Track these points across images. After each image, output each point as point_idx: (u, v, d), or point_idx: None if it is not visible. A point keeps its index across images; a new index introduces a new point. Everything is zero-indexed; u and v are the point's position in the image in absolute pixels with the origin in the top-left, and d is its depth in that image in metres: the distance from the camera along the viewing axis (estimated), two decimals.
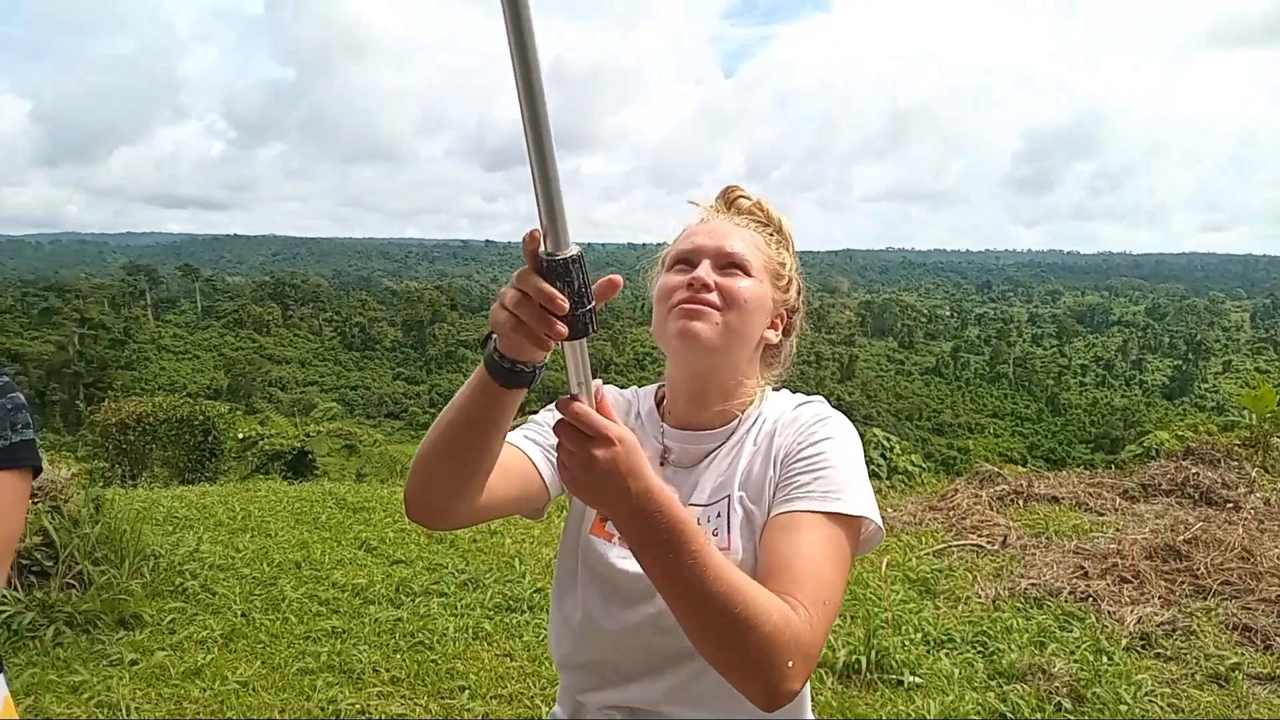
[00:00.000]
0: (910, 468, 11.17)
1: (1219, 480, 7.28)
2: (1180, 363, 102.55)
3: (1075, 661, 3.86)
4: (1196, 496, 7.12)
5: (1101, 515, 6.70)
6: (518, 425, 1.27)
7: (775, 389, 1.34)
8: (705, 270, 1.21)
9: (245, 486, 8.60)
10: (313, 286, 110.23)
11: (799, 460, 1.18)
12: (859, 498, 1.13)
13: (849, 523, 1.12)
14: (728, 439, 1.26)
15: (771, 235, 1.32)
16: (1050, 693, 3.58)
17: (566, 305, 0.84)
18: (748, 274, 1.23)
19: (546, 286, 0.84)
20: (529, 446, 1.25)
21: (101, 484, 9.21)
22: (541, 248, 0.85)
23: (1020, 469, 9.11)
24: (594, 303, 0.89)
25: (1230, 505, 6.74)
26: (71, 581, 4.24)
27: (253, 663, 3.81)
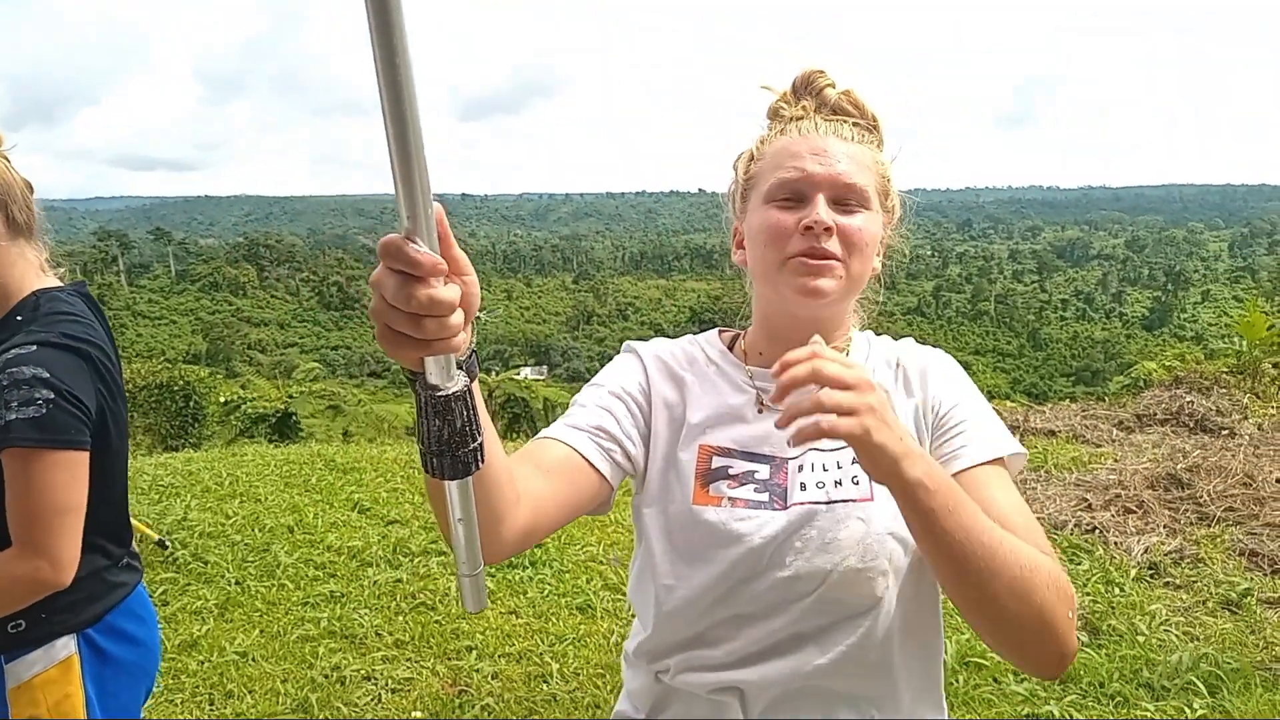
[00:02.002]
0: None
1: (1213, 408, 7.29)
2: (1159, 294, 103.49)
3: (1087, 594, 3.83)
4: (1191, 425, 7.12)
5: (1099, 447, 6.68)
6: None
7: (857, 326, 1.18)
8: (824, 210, 1.02)
9: (231, 451, 8.46)
10: (288, 246, 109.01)
11: (955, 409, 1.07)
12: (1010, 434, 1.07)
13: (1015, 460, 1.05)
14: None
15: (873, 141, 1.11)
16: None
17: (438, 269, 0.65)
18: (865, 206, 1.05)
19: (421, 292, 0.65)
20: (575, 437, 1.06)
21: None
22: (423, 378, 0.71)
23: (1012, 404, 9.10)
24: (481, 437, 0.75)
25: (1225, 432, 6.75)
26: None
27: (250, 632, 3.71)
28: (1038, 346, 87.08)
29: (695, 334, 1.23)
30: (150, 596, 3.91)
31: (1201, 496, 5.01)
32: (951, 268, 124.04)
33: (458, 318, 0.68)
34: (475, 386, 0.77)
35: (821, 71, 1.13)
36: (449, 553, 4.56)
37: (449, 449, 0.74)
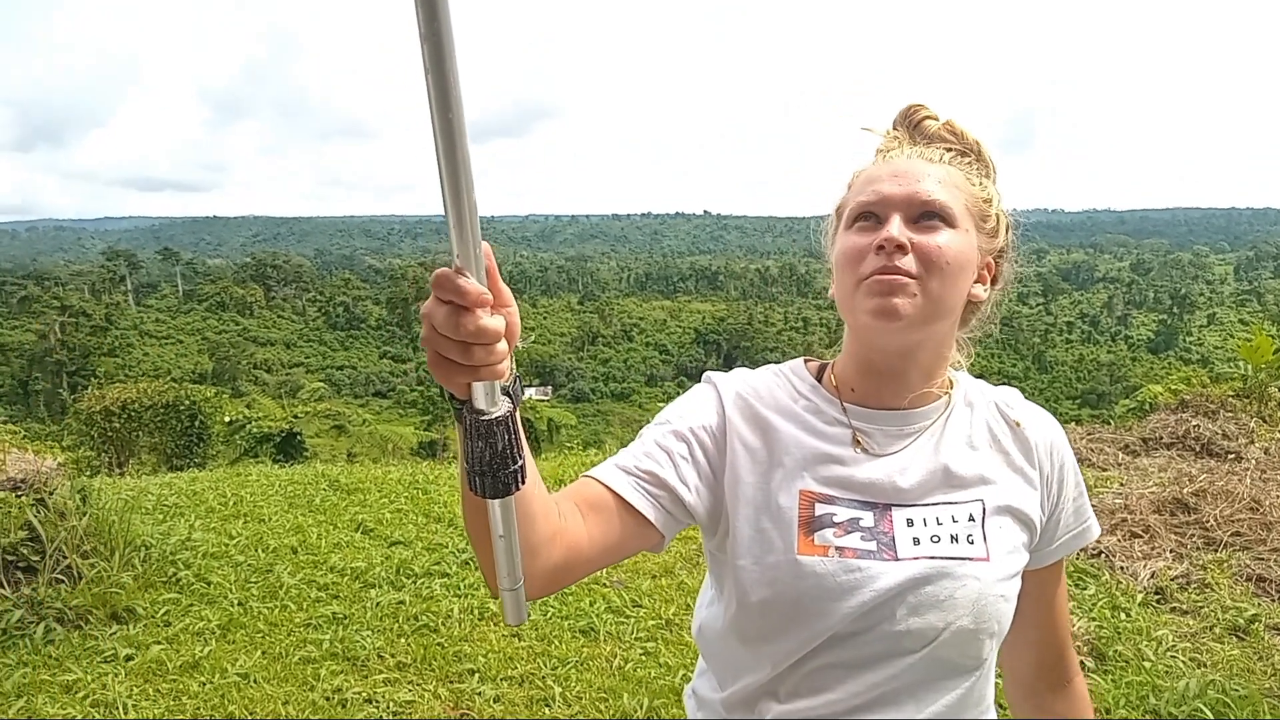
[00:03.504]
0: None
1: (1219, 432, 7.26)
2: (1165, 317, 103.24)
3: (1093, 619, 3.80)
4: (1198, 449, 7.10)
5: (1105, 470, 6.65)
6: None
7: (956, 366, 1.13)
8: (897, 228, 0.98)
9: (235, 471, 8.46)
10: (295, 267, 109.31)
11: (1077, 501, 1.12)
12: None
13: None
14: (932, 424, 1.07)
15: (971, 165, 1.07)
16: None
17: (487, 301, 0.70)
18: (949, 224, 1.00)
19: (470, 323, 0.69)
20: (619, 481, 1.02)
21: (88, 473, 9.05)
22: (469, 403, 0.75)
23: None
24: (522, 460, 0.78)
25: (1232, 456, 6.72)
26: (60, 576, 4.10)
27: (253, 653, 3.70)
28: (1043, 369, 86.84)
29: (778, 364, 1.16)
30: (154, 617, 3.91)
31: (1208, 521, 4.98)
32: (1013, 284, 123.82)
33: (502, 346, 0.72)
34: (517, 413, 0.80)
35: (922, 105, 1.11)
36: (451, 573, 4.56)
37: (490, 470, 0.77)
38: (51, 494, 4.48)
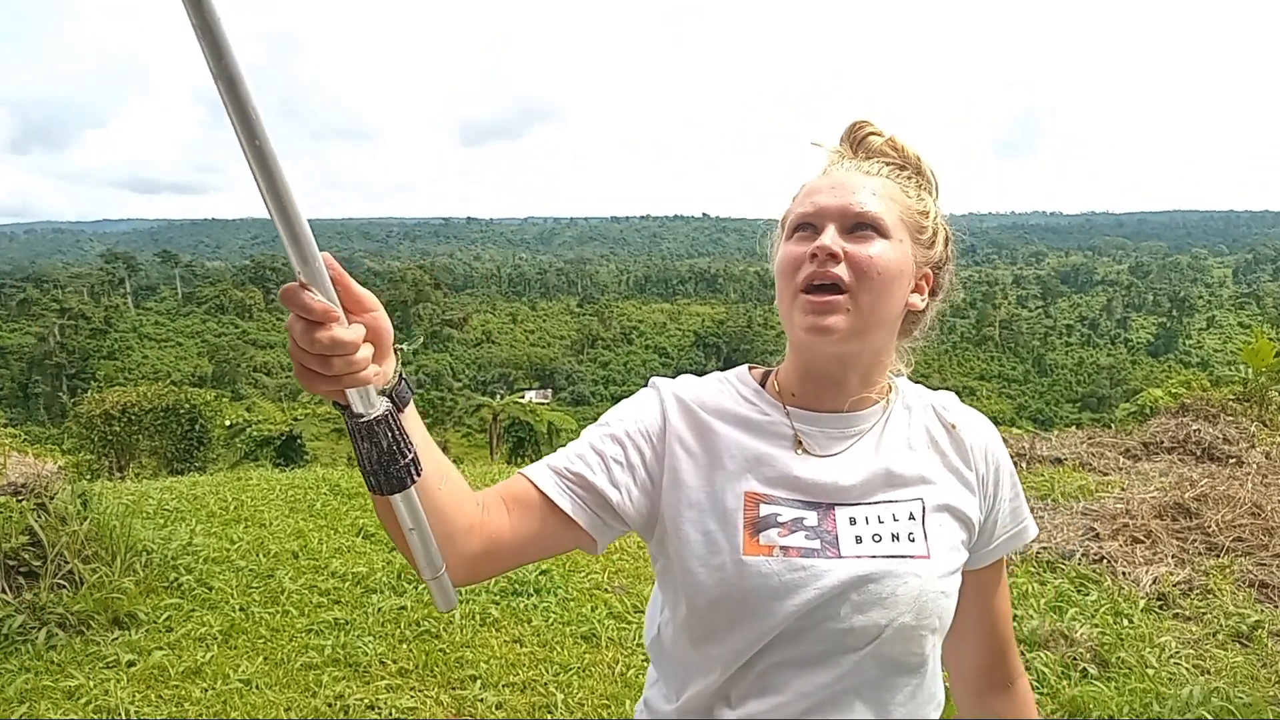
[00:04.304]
0: None
1: (1220, 436, 7.26)
2: (1164, 320, 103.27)
3: (1096, 626, 3.80)
4: (1199, 453, 7.10)
5: (1106, 475, 6.65)
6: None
7: (896, 372, 1.16)
8: (831, 237, 1.01)
9: (236, 475, 8.45)
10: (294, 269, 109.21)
11: (1014, 502, 1.16)
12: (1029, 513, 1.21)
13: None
14: (872, 426, 1.10)
15: (910, 179, 1.10)
16: (1074, 659, 3.52)
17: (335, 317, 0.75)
18: (882, 234, 1.02)
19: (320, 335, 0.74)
20: (548, 481, 1.04)
21: (88, 477, 9.05)
22: (348, 408, 0.81)
23: (1017, 431, 9.08)
24: (411, 454, 0.84)
25: (1233, 461, 6.72)
26: (62, 581, 4.10)
27: (254, 659, 3.69)
28: (1043, 372, 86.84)
29: (722, 371, 1.19)
30: (155, 622, 3.90)
31: (1210, 526, 4.98)
32: (955, 292, 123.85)
33: (364, 353, 0.77)
34: (409, 410, 0.87)
35: (867, 121, 1.14)
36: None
37: (381, 467, 0.82)
38: (52, 498, 4.48)
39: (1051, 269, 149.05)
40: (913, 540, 1.03)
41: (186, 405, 12.70)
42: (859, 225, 1.03)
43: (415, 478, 0.84)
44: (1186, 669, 3.44)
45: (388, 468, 0.82)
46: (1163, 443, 7.37)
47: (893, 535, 1.02)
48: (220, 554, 4.97)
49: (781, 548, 1.00)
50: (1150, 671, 3.40)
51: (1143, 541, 4.89)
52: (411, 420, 0.87)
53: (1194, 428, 7.40)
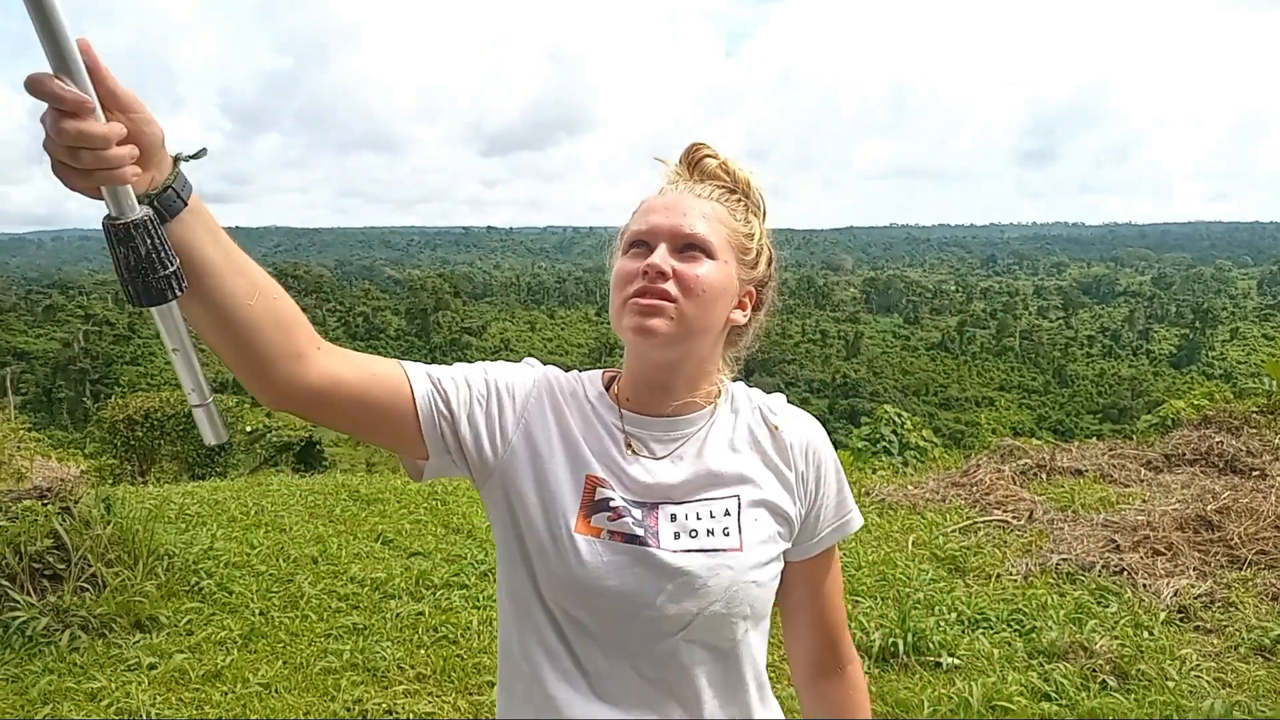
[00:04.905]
0: (922, 443, 11.09)
1: (1243, 448, 7.18)
2: (1187, 331, 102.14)
3: (1116, 638, 3.77)
4: (1221, 465, 7.02)
5: (1127, 487, 6.59)
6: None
7: (734, 377, 1.26)
8: (661, 256, 1.10)
9: (256, 480, 8.53)
10: (315, 277, 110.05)
11: (838, 496, 1.23)
12: (854, 505, 1.26)
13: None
14: (698, 430, 1.18)
15: (739, 202, 1.19)
16: (1093, 670, 3.49)
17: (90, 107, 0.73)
18: (710, 255, 1.12)
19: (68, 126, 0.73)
20: (415, 371, 1.09)
21: (111, 481, 9.15)
22: (106, 212, 0.79)
23: (1037, 442, 9.01)
24: (173, 267, 0.82)
25: (1256, 473, 6.64)
26: (85, 584, 4.15)
27: (274, 663, 3.73)
28: (1064, 383, 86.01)
29: (583, 371, 1.27)
30: (176, 626, 3.94)
31: (1232, 539, 4.92)
32: (976, 303, 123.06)
33: (120, 151, 0.75)
34: (189, 219, 0.85)
35: (705, 144, 1.21)
36: (470, 585, 4.57)
37: (138, 275, 0.80)
38: (76, 502, 4.54)
39: (1073, 280, 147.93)
40: (727, 534, 1.11)
41: None
42: (689, 246, 1.11)
43: (176, 291, 0.82)
44: (1208, 682, 3.41)
45: (145, 276, 0.80)
46: (1185, 455, 7.29)
47: (708, 530, 1.11)
48: (240, 559, 5.01)
49: (609, 532, 1.08)
50: (1171, 684, 3.37)
51: (1164, 554, 4.84)
52: (187, 232, 0.86)
53: (1216, 440, 7.32)
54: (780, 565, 1.17)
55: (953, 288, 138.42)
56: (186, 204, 0.86)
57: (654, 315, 1.08)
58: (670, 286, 1.08)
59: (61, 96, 0.71)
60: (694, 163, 1.21)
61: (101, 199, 0.78)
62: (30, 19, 0.67)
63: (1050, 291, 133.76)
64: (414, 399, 1.07)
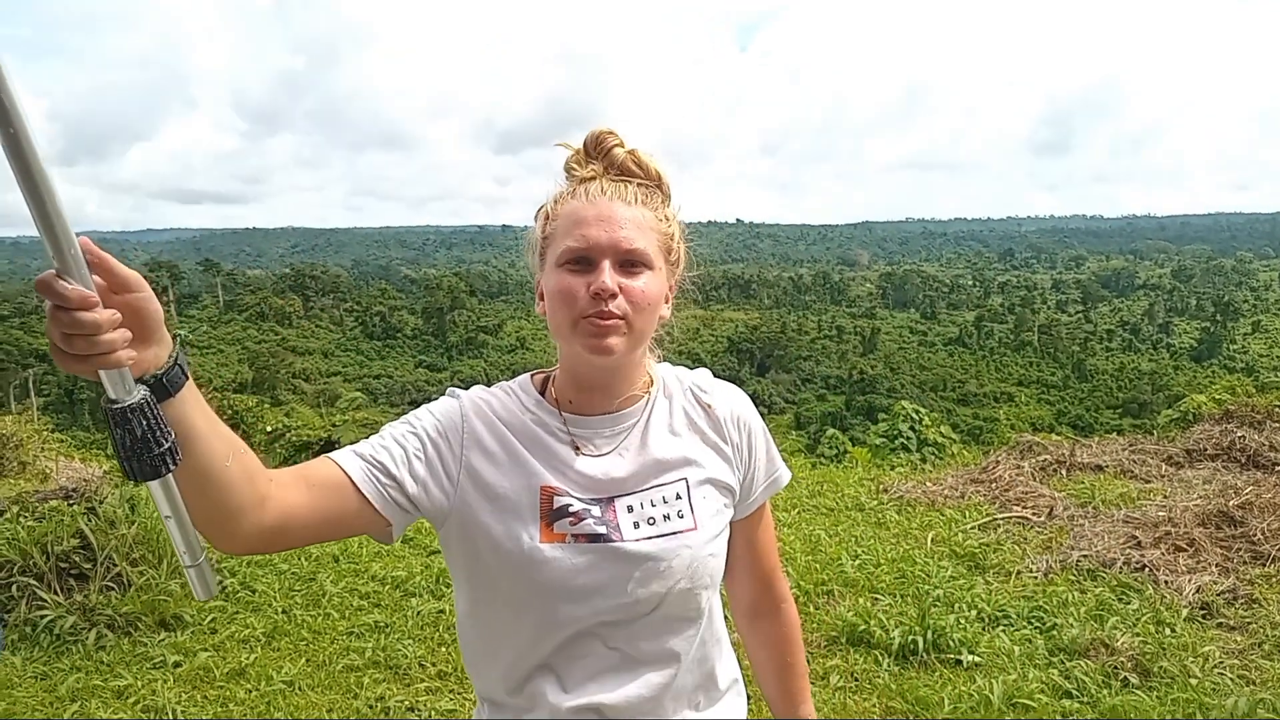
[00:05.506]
0: (940, 439, 11.05)
1: (1265, 443, 7.12)
2: (1208, 324, 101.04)
3: (1137, 634, 3.75)
4: (1243, 460, 6.97)
5: (1148, 482, 6.55)
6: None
7: (659, 358, 1.32)
8: (609, 276, 1.13)
9: None
10: (332, 277, 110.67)
11: (767, 457, 1.31)
12: (782, 460, 1.36)
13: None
14: (637, 421, 1.24)
15: (654, 195, 1.22)
16: (1115, 668, 3.48)
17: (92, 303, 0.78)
18: (648, 266, 1.17)
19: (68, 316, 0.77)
20: (350, 463, 1.12)
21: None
22: (105, 395, 0.82)
23: (1057, 437, 8.95)
24: (168, 443, 0.85)
25: (1279, 468, 6.58)
26: (110, 583, 4.21)
27: (297, 661, 3.76)
28: (1083, 378, 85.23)
29: (509, 380, 1.30)
30: (200, 624, 3.97)
31: (1255, 535, 4.89)
32: (993, 297, 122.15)
33: (112, 336, 0.79)
34: (184, 394, 0.89)
35: (611, 132, 1.22)
36: None
37: (134, 454, 0.82)
38: (101, 502, 4.60)
39: (1092, 273, 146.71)
40: (681, 517, 1.19)
41: (228, 411, 12.93)
42: (629, 261, 1.15)
43: (170, 467, 0.85)
44: (1231, 679, 3.39)
45: (140, 455, 0.83)
46: (1206, 450, 7.24)
47: (665, 515, 1.19)
48: (263, 557, 5.06)
49: (573, 535, 1.14)
50: (1193, 681, 3.35)
51: (1185, 550, 4.81)
52: (183, 406, 0.90)
53: (1238, 434, 7.26)
54: (729, 531, 1.26)
55: (970, 282, 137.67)
56: (188, 379, 0.91)
57: (610, 335, 1.12)
58: (620, 304, 1.12)
59: (65, 295, 0.76)
60: (603, 153, 1.22)
61: (99, 381, 0.81)
62: (35, 223, 0.72)
63: (1069, 285, 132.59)
64: (355, 486, 1.10)
